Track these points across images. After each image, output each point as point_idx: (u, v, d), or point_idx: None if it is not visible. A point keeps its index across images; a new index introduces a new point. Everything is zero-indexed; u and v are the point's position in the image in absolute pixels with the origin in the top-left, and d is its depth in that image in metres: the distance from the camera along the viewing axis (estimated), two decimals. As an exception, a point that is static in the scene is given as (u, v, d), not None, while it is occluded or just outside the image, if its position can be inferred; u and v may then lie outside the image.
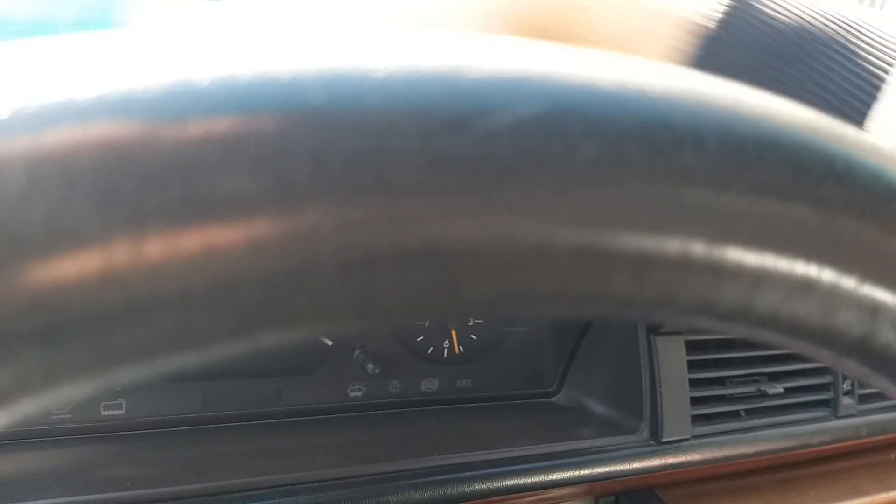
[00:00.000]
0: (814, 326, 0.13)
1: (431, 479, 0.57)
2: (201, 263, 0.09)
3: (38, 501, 0.48)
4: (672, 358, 0.65)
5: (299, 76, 0.09)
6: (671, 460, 0.64)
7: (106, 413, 0.62)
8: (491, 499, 0.59)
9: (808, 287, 0.12)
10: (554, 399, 0.76)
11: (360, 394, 0.70)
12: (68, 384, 0.09)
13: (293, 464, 0.56)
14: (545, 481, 0.60)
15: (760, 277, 0.12)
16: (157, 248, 0.08)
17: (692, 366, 0.66)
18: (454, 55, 0.11)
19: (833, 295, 0.13)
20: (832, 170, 0.12)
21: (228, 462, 0.57)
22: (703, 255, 0.11)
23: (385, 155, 0.09)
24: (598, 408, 0.71)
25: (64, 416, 0.60)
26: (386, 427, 0.67)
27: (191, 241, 0.08)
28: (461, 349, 0.74)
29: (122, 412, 0.62)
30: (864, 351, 0.14)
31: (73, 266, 0.08)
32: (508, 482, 0.59)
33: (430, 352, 0.73)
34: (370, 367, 0.69)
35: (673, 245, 0.11)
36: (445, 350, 0.74)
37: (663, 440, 0.64)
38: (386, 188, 0.09)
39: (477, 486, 0.58)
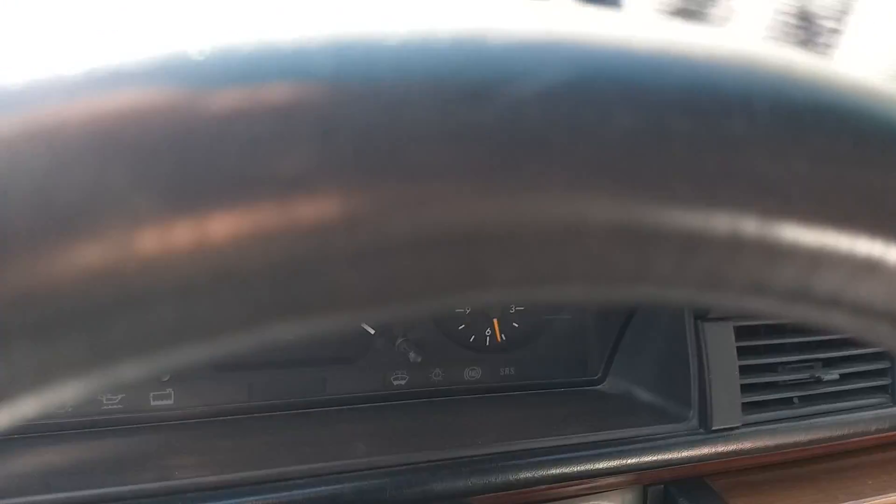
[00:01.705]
0: (877, 309, 0.12)
1: (476, 467, 0.56)
2: (212, 253, 0.08)
3: (91, 491, 0.49)
4: (721, 344, 0.64)
5: (304, 47, 0.09)
6: (721, 448, 0.63)
7: (155, 403, 0.63)
8: (536, 487, 0.58)
9: (872, 266, 0.11)
10: (599, 387, 0.75)
11: (403, 382, 0.70)
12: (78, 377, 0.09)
13: (338, 452, 0.57)
14: (592, 470, 0.59)
15: (820, 256, 0.11)
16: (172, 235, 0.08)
17: (742, 352, 0.65)
18: (474, 19, 0.10)
19: None
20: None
21: (275, 450, 0.58)
22: (755, 232, 0.10)
23: (401, 129, 0.09)
24: (644, 395, 0.70)
25: (114, 405, 0.61)
26: (429, 415, 0.67)
27: (186, 232, 0.08)
28: (503, 337, 0.74)
29: (171, 402, 0.63)
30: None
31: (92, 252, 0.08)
32: (554, 471, 0.58)
33: (472, 340, 0.73)
34: (412, 355, 0.69)
35: (721, 222, 0.10)
36: (487, 338, 0.73)
37: (713, 428, 0.63)
38: (402, 166, 0.09)
39: (522, 475, 0.57)
